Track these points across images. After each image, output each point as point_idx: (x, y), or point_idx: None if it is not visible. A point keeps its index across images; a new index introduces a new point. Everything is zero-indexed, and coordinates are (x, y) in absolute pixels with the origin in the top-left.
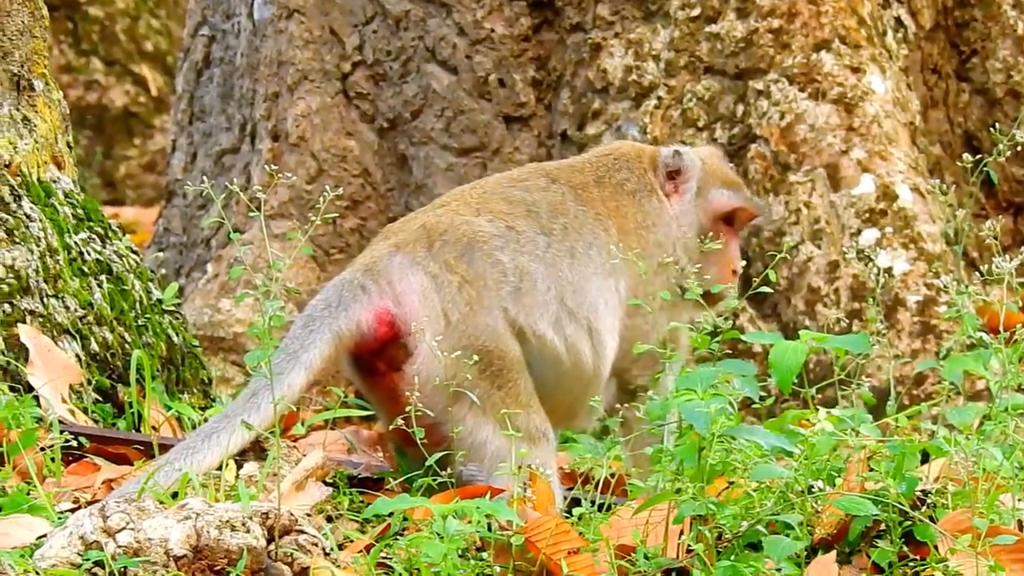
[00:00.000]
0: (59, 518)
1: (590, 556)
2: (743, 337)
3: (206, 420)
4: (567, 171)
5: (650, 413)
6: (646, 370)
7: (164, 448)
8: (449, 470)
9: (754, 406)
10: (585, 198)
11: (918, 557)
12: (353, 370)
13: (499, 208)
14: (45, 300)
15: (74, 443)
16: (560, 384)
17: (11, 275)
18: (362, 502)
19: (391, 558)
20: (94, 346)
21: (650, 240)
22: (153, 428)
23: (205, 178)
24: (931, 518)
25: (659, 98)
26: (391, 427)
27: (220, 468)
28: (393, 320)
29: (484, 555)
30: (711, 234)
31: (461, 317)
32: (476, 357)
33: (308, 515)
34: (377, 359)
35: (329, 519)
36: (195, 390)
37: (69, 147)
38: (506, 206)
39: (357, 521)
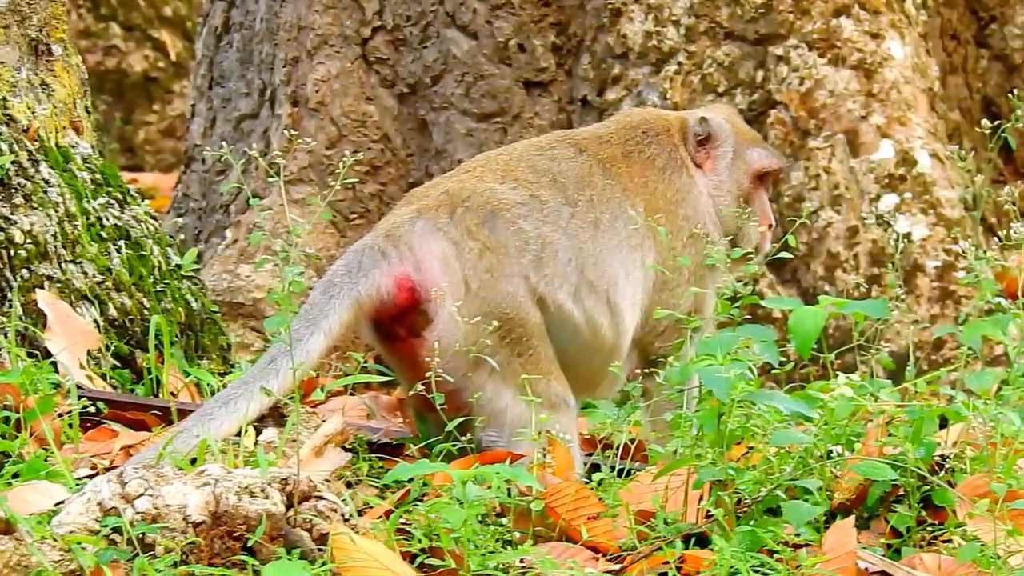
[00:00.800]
0: (77, 485)
1: (610, 521)
2: (763, 302)
3: (225, 386)
4: (595, 143)
5: (670, 379)
6: (670, 341)
7: (182, 414)
8: (469, 436)
9: (774, 371)
10: (613, 172)
11: (936, 522)
12: (373, 335)
13: (524, 176)
14: (63, 266)
15: (92, 409)
16: (580, 354)
17: (29, 240)
18: (382, 468)
19: (410, 524)
20: (112, 312)
21: (679, 215)
22: (172, 394)
23: (224, 143)
24: (949, 483)
25: (679, 63)
26: (411, 393)
27: (239, 434)
28: (413, 286)
29: (504, 521)
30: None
31: (482, 284)
32: (496, 324)
33: (327, 481)
34: (397, 325)
35: (348, 485)
36: (214, 356)
37: (87, 112)
38: (531, 175)
39: (377, 487)
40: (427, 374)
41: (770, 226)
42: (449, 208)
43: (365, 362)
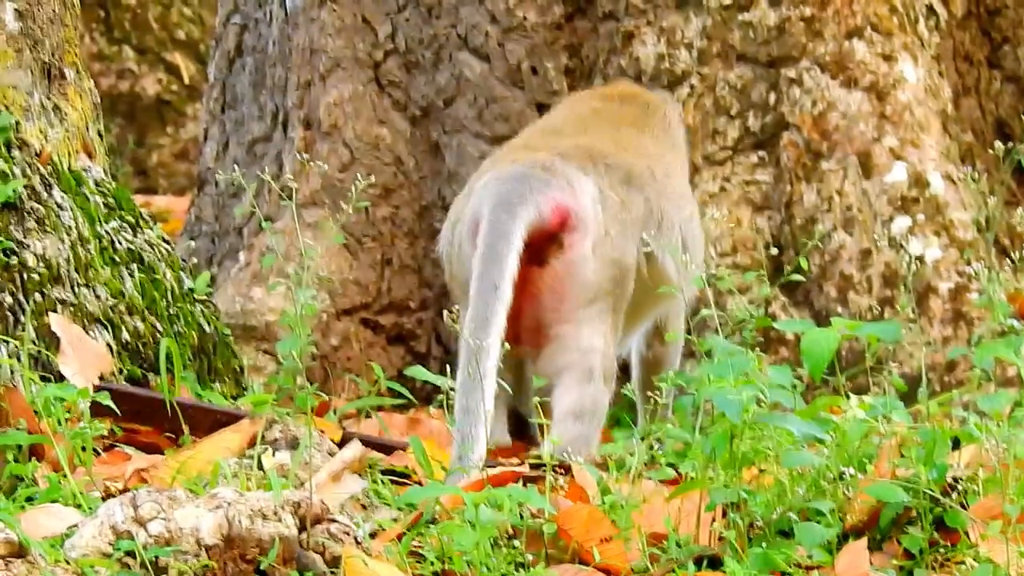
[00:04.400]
0: (90, 508)
1: (622, 543)
2: (775, 325)
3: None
4: (634, 119)
5: (679, 407)
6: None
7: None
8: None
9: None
10: (666, 156)
11: (949, 543)
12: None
13: (628, 145)
14: (76, 289)
15: (105, 432)
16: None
17: (42, 264)
18: (393, 491)
19: (423, 546)
20: (125, 335)
21: (692, 198)
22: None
23: (237, 167)
24: (962, 505)
25: (692, 86)
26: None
27: (252, 457)
28: (567, 214)
29: (516, 543)
30: None
31: (616, 233)
32: (617, 272)
33: (342, 504)
34: (526, 251)
35: (363, 507)
36: (227, 379)
37: (100, 136)
38: (632, 146)
39: (391, 507)
40: (547, 297)
41: None
42: (591, 160)
43: (376, 382)
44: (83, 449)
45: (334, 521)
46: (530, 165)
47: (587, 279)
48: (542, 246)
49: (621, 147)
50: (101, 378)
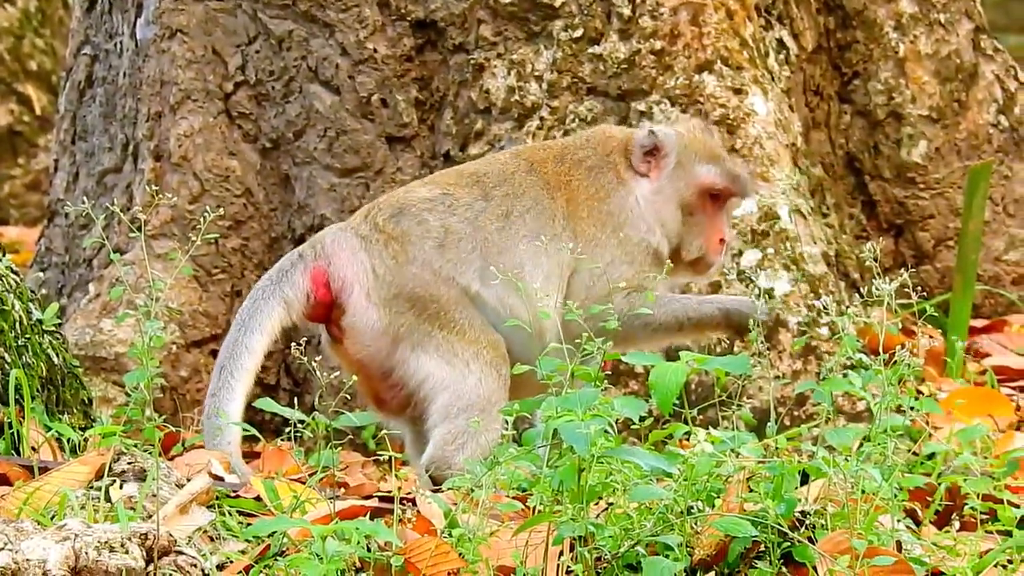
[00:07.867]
0: None
1: None
2: (624, 358)
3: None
4: (536, 148)
5: (526, 439)
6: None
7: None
8: None
9: (634, 427)
10: (539, 170)
11: None
12: (326, 341)
13: (445, 180)
14: None
15: None
16: (509, 334)
17: None
18: (242, 523)
19: None
20: None
21: (602, 210)
22: (32, 448)
23: (87, 198)
24: (810, 539)
25: (542, 119)
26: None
27: (100, 489)
28: (327, 280)
29: None
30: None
31: (387, 269)
32: (408, 303)
33: (189, 536)
34: (331, 325)
35: (211, 539)
36: (75, 410)
37: None
38: (454, 177)
39: (238, 538)
40: (370, 367)
41: (721, 240)
42: (365, 212)
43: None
44: None
45: (181, 553)
46: (300, 246)
47: (377, 326)
48: (329, 316)
49: (434, 180)
50: None
